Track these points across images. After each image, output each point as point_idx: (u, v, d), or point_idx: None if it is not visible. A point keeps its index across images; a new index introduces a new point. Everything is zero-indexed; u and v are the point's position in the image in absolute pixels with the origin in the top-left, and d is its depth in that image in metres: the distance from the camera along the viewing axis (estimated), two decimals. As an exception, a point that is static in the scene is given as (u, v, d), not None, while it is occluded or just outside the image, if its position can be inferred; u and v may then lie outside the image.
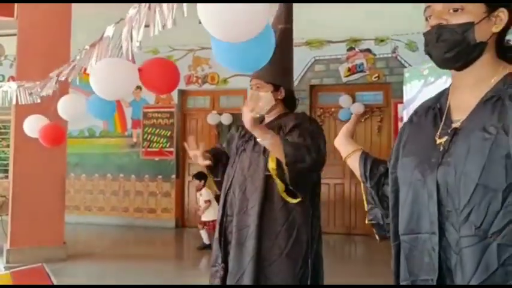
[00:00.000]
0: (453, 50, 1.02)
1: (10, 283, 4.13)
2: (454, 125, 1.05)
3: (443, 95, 1.14)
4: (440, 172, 1.01)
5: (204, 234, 5.87)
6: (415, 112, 1.20)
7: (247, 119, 1.92)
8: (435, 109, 1.13)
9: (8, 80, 7.68)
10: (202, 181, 5.98)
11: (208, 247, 5.74)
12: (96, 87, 2.00)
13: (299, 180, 1.99)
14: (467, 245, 0.95)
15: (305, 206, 2.07)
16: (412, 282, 1.06)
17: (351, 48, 7.08)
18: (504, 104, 0.98)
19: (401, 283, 1.11)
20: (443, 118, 1.08)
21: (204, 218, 5.90)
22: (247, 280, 2.01)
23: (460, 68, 1.06)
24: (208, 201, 5.86)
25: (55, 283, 4.09)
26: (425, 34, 1.07)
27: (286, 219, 2.05)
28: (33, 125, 3.42)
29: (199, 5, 1.12)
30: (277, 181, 2.03)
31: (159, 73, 2.21)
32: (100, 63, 1.97)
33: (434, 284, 1.00)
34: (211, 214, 5.71)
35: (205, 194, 5.91)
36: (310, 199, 2.10)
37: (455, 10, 1.01)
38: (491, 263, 0.93)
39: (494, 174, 0.94)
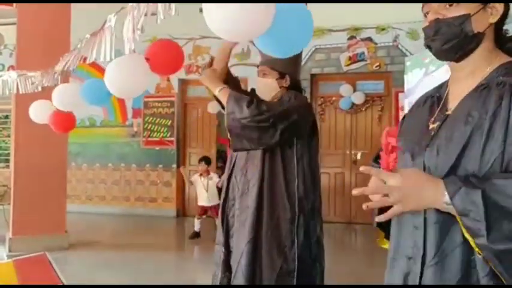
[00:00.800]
0: (451, 41, 1.06)
1: (13, 271, 4.17)
2: (447, 112, 1.10)
3: (443, 85, 1.19)
4: (427, 154, 1.06)
5: (197, 223, 5.91)
6: (416, 103, 1.24)
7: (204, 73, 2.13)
8: (434, 97, 1.18)
9: (8, 70, 7.66)
10: (209, 165, 6.00)
11: (198, 235, 5.82)
12: (113, 89, 2.03)
13: (240, 131, 2.04)
14: (436, 221, 1.01)
15: (290, 188, 2.10)
16: (396, 260, 1.11)
17: (351, 37, 7.05)
18: (490, 90, 1.02)
19: (388, 259, 1.15)
20: (440, 106, 1.13)
21: (207, 203, 5.88)
22: (243, 261, 2.08)
23: (458, 59, 1.09)
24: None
25: (58, 271, 4.13)
26: (424, 29, 1.11)
27: (270, 199, 2.11)
28: (39, 111, 3.42)
29: (204, 7, 1.14)
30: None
31: (166, 57, 2.23)
32: (112, 64, 2.00)
33: (420, 259, 1.03)
34: (215, 199, 5.76)
35: (216, 177, 5.93)
36: (298, 180, 2.11)
37: (451, 4, 1.05)
38: (456, 239, 0.98)
39: (472, 157, 0.98)
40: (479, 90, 1.04)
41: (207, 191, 5.88)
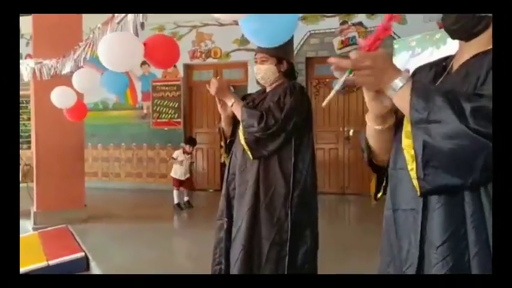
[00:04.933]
0: (459, 22, 1.04)
1: (38, 242, 4.22)
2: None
3: (449, 57, 1.15)
4: None
5: (176, 195, 5.97)
6: (419, 69, 1.20)
7: (216, 87, 2.14)
8: (439, 66, 1.14)
9: (25, 58, 7.60)
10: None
11: (179, 206, 5.89)
12: (104, 59, 1.96)
13: (255, 142, 2.10)
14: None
15: (285, 166, 2.11)
16: (394, 211, 1.09)
17: (343, 22, 6.96)
18: (487, 54, 1.00)
19: (385, 211, 1.13)
20: (444, 75, 1.10)
21: (181, 177, 5.98)
22: (243, 228, 2.11)
23: (467, 39, 1.06)
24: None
25: (80, 242, 4.18)
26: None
27: (265, 176, 2.13)
28: (61, 97, 3.44)
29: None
30: (242, 141, 2.13)
31: (163, 48, 2.19)
32: (106, 37, 1.94)
33: (420, 212, 1.01)
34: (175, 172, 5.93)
35: (177, 154, 6.07)
36: (294, 159, 2.12)
37: None
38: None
39: None
40: (480, 55, 1.02)
41: (182, 166, 5.99)
